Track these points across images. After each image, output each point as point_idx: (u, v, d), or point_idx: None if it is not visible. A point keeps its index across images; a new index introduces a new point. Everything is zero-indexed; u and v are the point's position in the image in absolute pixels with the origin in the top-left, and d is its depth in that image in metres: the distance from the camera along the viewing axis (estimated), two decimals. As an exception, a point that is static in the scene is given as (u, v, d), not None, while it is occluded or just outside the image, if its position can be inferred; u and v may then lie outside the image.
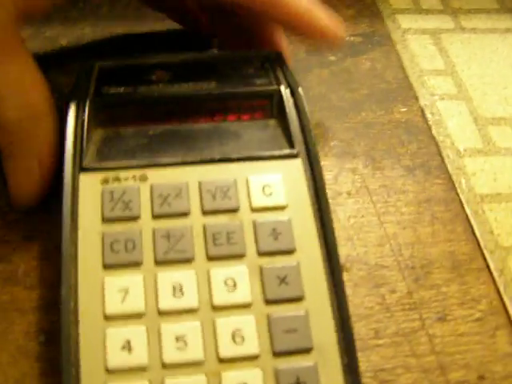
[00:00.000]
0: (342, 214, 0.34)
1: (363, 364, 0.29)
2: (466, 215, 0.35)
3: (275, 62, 0.34)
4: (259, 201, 0.28)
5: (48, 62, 0.38)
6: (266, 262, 0.27)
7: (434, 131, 0.39)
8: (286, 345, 0.25)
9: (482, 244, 0.34)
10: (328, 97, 0.40)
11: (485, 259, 0.33)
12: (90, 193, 0.28)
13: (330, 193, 0.34)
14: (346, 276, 0.32)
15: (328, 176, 0.36)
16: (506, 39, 0.45)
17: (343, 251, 0.33)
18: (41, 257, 0.32)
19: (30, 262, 0.32)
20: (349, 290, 0.31)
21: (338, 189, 0.35)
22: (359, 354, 0.29)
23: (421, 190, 0.36)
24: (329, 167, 0.36)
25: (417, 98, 0.40)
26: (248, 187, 0.29)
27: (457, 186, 0.36)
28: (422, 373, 0.29)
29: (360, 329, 0.30)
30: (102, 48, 0.41)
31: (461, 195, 0.36)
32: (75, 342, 0.25)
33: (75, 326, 0.25)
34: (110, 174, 0.29)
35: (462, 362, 0.30)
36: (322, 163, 0.34)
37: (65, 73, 0.38)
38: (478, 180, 0.36)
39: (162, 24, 0.42)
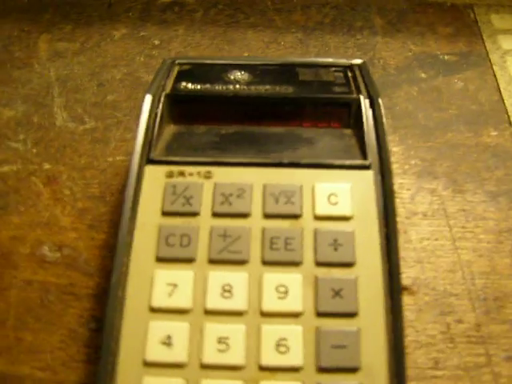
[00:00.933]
0: (414, 234, 0.32)
1: (418, 395, 0.27)
2: (551, 250, 0.32)
3: (358, 71, 0.33)
4: (323, 209, 0.27)
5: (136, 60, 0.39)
6: (322, 272, 0.26)
7: (525, 159, 0.36)
8: (332, 361, 0.24)
9: None
10: (414, 114, 0.38)
11: None
12: (153, 185, 0.28)
13: (404, 212, 0.32)
14: (410, 300, 0.30)
15: (404, 195, 0.34)
16: None
17: (411, 273, 0.31)
18: (104, 246, 0.32)
19: (93, 251, 0.32)
20: (412, 315, 0.30)
21: (413, 208, 0.34)
22: (414, 384, 0.27)
23: (503, 219, 0.33)
24: (406, 185, 0.35)
25: (510, 123, 0.38)
26: (313, 194, 0.28)
27: (545, 218, 0.33)
28: (482, 412, 0.27)
29: (419, 357, 0.29)
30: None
31: (547, 228, 0.33)
32: (118, 330, 0.25)
33: (120, 314, 0.25)
34: (176, 169, 0.29)
35: (528, 406, 0.27)
36: (400, 181, 0.33)
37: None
38: None
39: (254, 31, 0.42)
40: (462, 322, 0.30)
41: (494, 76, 0.41)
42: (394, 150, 0.36)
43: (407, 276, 0.31)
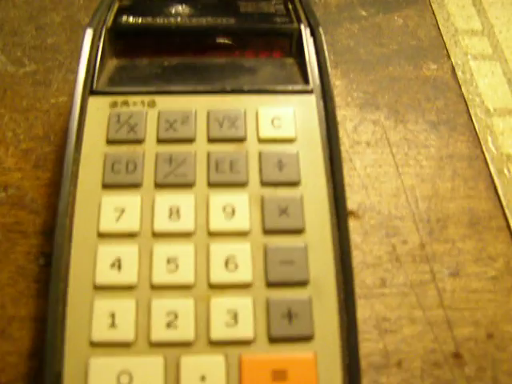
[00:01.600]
0: (358, 162, 0.33)
1: (366, 312, 0.28)
2: (490, 173, 0.33)
3: (298, 3, 0.33)
4: (267, 132, 0.28)
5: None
6: (268, 191, 0.26)
7: (463, 89, 0.37)
8: (280, 276, 0.24)
9: (504, 203, 0.32)
10: (356, 50, 0.39)
11: (506, 218, 0.32)
12: (97, 115, 0.28)
13: (348, 141, 0.33)
14: (357, 223, 0.31)
15: (348, 125, 0.35)
16: (550, 4, 0.43)
17: (356, 199, 0.32)
18: (50, 185, 0.32)
19: (38, 190, 0.31)
20: (358, 238, 0.30)
21: (356, 138, 0.34)
22: (363, 302, 0.28)
23: (444, 146, 0.34)
24: (349, 117, 0.35)
25: (448, 57, 0.39)
26: (257, 118, 0.28)
27: (483, 143, 0.34)
28: (428, 325, 0.28)
29: (366, 277, 0.29)
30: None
31: (486, 153, 0.34)
32: (67, 257, 0.25)
33: (68, 241, 0.25)
34: (119, 99, 0.28)
35: (472, 318, 0.29)
36: (343, 113, 0.33)
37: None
38: (506, 139, 0.35)
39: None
40: (406, 242, 0.30)
41: (433, 13, 0.42)
42: (337, 83, 0.36)
43: (353, 201, 0.32)
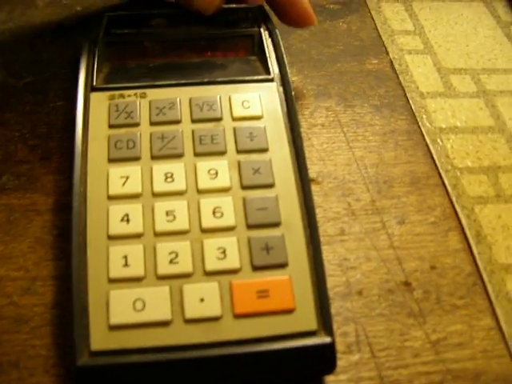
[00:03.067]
0: (315, 140, 0.40)
1: (329, 254, 0.34)
2: (426, 143, 0.40)
3: (257, 13, 0.40)
4: (239, 112, 0.34)
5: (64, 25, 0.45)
6: (243, 157, 0.32)
7: (401, 78, 0.44)
8: (258, 219, 0.31)
9: (438, 165, 0.39)
10: (308, 51, 0.46)
11: (441, 177, 0.38)
12: (98, 106, 0.34)
13: (306, 124, 0.39)
14: (317, 187, 0.37)
15: (305, 112, 0.41)
16: (470, 6, 0.51)
17: (315, 168, 0.38)
18: (57, 173, 0.37)
19: (47, 176, 0.37)
20: (319, 199, 0.37)
21: (313, 121, 0.41)
22: (326, 248, 0.34)
23: (386, 124, 0.41)
24: (306, 105, 0.42)
25: (387, 53, 0.46)
26: (230, 102, 0.34)
27: (419, 120, 0.41)
28: (381, 262, 0.34)
29: (328, 227, 0.36)
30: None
31: (422, 128, 0.41)
32: (83, 216, 0.30)
33: (83, 204, 0.31)
34: (116, 93, 0.35)
35: (417, 255, 0.35)
36: (300, 102, 0.40)
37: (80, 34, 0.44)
38: (437, 116, 0.42)
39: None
40: (359, 200, 0.37)
41: (372, 19, 0.49)
42: (294, 79, 0.43)
43: (313, 171, 0.38)
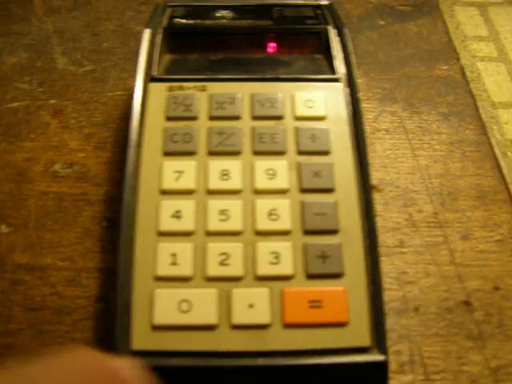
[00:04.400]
0: (379, 146, 0.38)
1: (387, 267, 0.33)
2: (495, 156, 0.38)
3: (326, 10, 0.38)
4: (302, 111, 0.32)
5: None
6: (303, 159, 0.31)
7: (471, 86, 0.42)
8: (315, 225, 0.29)
9: (507, 179, 0.37)
10: (375, 54, 0.44)
11: (509, 192, 0.36)
12: (157, 97, 0.33)
13: (369, 129, 0.38)
14: (378, 196, 0.35)
15: (369, 116, 0.40)
16: (550, 15, 0.48)
17: (377, 175, 0.36)
18: (110, 163, 0.36)
19: (100, 166, 0.36)
20: (380, 207, 0.35)
21: (377, 126, 0.39)
22: (384, 259, 0.32)
23: (454, 133, 0.39)
24: (370, 109, 0.40)
25: (458, 59, 0.44)
26: (293, 101, 0.33)
27: (488, 131, 0.39)
28: (441, 278, 0.32)
29: (387, 238, 0.34)
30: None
31: (491, 139, 0.39)
32: (134, 209, 0.29)
33: (134, 197, 0.30)
34: (175, 84, 0.33)
35: (480, 273, 0.33)
36: (365, 105, 0.38)
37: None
38: (509, 128, 0.39)
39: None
40: (422, 211, 0.35)
41: (444, 22, 0.47)
42: (359, 81, 0.41)
43: (374, 178, 0.36)
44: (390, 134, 0.38)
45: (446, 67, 0.43)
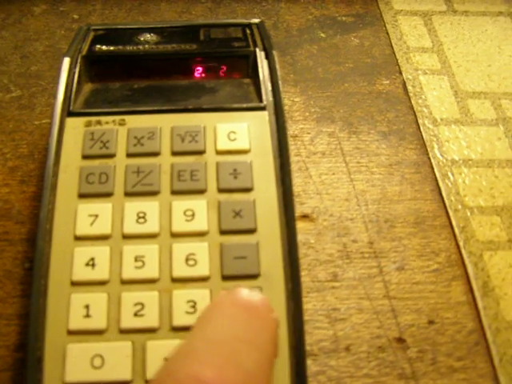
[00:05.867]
0: (314, 170, 0.36)
1: (318, 303, 0.32)
2: (435, 177, 0.37)
3: (256, 29, 0.36)
4: (224, 145, 0.31)
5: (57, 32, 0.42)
6: (224, 197, 0.29)
7: (413, 102, 0.41)
8: (235, 270, 0.28)
9: (447, 203, 0.35)
10: (314, 69, 0.43)
11: (448, 217, 0.35)
12: (73, 133, 0.31)
13: (305, 152, 0.36)
14: (311, 225, 0.34)
15: (305, 138, 0.38)
16: (496, 21, 0.47)
17: (311, 203, 0.35)
18: (34, 198, 0.35)
19: (24, 202, 0.35)
20: (312, 238, 0.34)
21: (313, 149, 0.38)
22: (315, 295, 0.31)
23: (393, 154, 0.38)
24: (307, 130, 0.39)
25: (400, 72, 0.43)
26: (215, 133, 0.31)
27: (429, 150, 0.38)
28: (374, 314, 0.31)
29: (319, 272, 0.33)
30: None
31: (432, 159, 0.37)
32: (47, 257, 0.28)
33: (48, 243, 0.28)
34: (93, 119, 0.32)
35: (414, 307, 0.32)
36: (301, 126, 0.37)
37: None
38: (450, 146, 0.38)
39: (167, 3, 0.45)
40: (356, 241, 0.34)
41: (387, 33, 0.45)
42: (296, 100, 0.40)
43: (308, 206, 0.35)
44: (327, 157, 0.37)
45: (387, 82, 0.42)
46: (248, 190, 0.30)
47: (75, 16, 0.46)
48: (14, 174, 0.36)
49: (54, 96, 0.33)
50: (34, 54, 0.43)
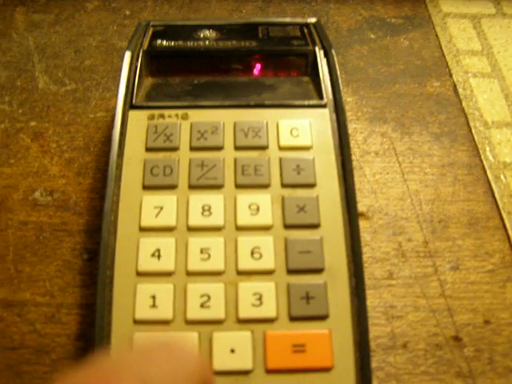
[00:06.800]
0: (368, 170, 0.37)
1: (375, 300, 0.32)
2: (488, 179, 0.37)
3: (313, 28, 0.37)
4: (287, 140, 0.31)
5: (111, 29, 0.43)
6: (288, 192, 0.30)
7: (464, 104, 0.41)
8: (299, 264, 0.28)
9: (500, 205, 0.35)
10: (365, 70, 0.43)
11: (502, 219, 0.35)
12: (136, 126, 0.32)
13: (358, 151, 0.36)
14: (366, 224, 0.34)
15: (358, 137, 0.38)
16: (545, 27, 0.47)
17: (366, 202, 0.35)
18: (91, 190, 0.35)
19: (81, 194, 0.35)
20: (368, 236, 0.34)
21: (366, 148, 0.38)
22: (372, 292, 0.31)
23: (445, 155, 0.38)
24: (360, 129, 0.39)
25: (450, 75, 0.43)
26: (278, 129, 0.32)
27: (481, 153, 0.38)
28: (430, 312, 0.31)
29: (375, 270, 0.33)
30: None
31: (484, 161, 0.38)
32: (112, 248, 0.28)
33: (113, 235, 0.29)
34: (156, 112, 0.32)
35: (470, 306, 0.32)
36: (354, 126, 0.37)
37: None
38: (502, 149, 0.38)
39: (217, 1, 0.46)
40: (411, 240, 0.34)
41: (436, 36, 0.45)
42: (348, 100, 0.40)
43: (363, 204, 0.35)
44: (380, 157, 0.37)
45: (437, 84, 0.42)
46: (311, 185, 0.30)
47: (127, 12, 0.46)
48: (71, 166, 0.36)
49: (112, 90, 0.33)
50: (87, 48, 0.43)
